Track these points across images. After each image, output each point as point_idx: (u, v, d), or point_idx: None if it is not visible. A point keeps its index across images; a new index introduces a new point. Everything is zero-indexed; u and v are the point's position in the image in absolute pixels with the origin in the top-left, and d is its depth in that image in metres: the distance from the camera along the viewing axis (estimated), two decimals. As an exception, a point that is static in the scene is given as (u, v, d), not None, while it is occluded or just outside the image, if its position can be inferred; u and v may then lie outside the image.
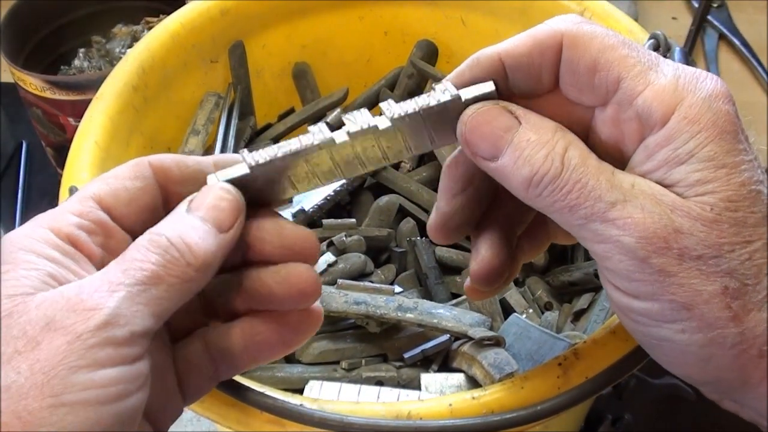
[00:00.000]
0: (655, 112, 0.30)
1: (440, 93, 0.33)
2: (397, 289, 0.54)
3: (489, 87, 0.33)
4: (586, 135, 0.34)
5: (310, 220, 0.58)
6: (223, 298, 0.33)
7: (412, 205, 0.60)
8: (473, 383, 0.46)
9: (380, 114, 0.33)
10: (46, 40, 0.80)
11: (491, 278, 0.38)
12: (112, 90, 0.54)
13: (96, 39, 0.81)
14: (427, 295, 0.55)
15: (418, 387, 0.47)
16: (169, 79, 0.59)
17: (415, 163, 0.63)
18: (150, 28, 0.67)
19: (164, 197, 0.32)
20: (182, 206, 0.31)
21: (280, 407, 0.37)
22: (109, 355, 0.26)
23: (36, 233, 0.29)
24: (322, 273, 0.53)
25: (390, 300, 0.49)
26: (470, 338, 0.48)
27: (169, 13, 0.61)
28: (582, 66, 0.32)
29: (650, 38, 0.43)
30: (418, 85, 0.67)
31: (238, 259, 0.33)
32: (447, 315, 0.49)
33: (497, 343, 0.47)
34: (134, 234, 0.30)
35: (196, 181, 0.32)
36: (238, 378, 0.37)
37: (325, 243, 0.56)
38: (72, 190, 0.46)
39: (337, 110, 0.65)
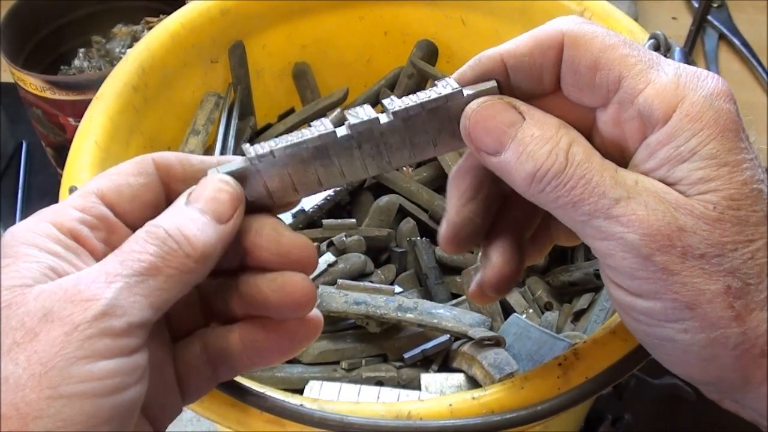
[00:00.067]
0: (657, 110, 0.30)
1: (442, 87, 0.33)
2: (397, 289, 0.54)
3: (491, 84, 0.33)
4: (588, 137, 0.33)
5: (310, 220, 0.58)
6: (221, 300, 0.33)
7: (412, 205, 0.60)
8: (473, 383, 0.46)
9: (382, 111, 0.33)
10: (46, 40, 0.80)
11: (503, 285, 0.37)
12: (112, 90, 0.54)
13: (96, 39, 0.81)
14: (427, 295, 0.55)
15: (418, 387, 0.47)
16: (169, 79, 0.59)
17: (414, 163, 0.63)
18: (150, 28, 0.67)
19: (167, 194, 0.32)
20: (181, 199, 0.31)
21: (280, 407, 0.37)
22: (107, 345, 0.26)
23: (38, 227, 0.29)
24: (322, 273, 0.53)
25: (390, 300, 0.49)
26: (470, 338, 0.48)
27: (169, 13, 0.61)
28: (583, 65, 0.32)
29: (650, 38, 0.42)
30: (418, 85, 0.67)
31: (237, 264, 0.33)
32: (447, 315, 0.49)
33: (497, 343, 0.47)
34: (136, 230, 0.30)
35: (199, 180, 0.32)
36: (238, 378, 0.37)
37: (325, 243, 0.56)
38: (72, 190, 0.46)
39: (337, 110, 0.65)
